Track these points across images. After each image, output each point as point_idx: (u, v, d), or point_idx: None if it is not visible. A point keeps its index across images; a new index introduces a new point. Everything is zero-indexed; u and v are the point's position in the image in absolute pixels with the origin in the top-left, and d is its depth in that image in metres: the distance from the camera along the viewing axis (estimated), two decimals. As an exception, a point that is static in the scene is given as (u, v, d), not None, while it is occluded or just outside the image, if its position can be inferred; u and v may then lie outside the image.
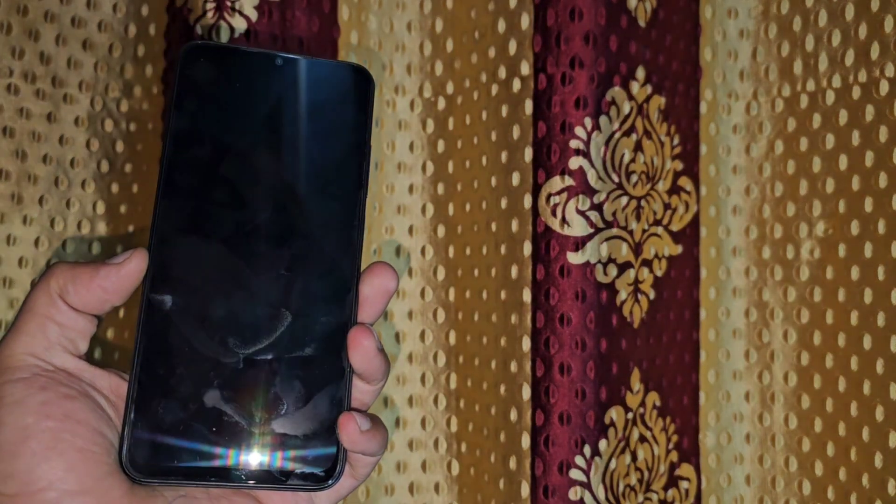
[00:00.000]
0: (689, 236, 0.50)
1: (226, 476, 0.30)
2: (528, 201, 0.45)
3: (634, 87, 0.46)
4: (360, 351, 0.31)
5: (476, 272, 0.49)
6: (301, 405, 0.31)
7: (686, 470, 0.50)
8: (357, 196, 0.33)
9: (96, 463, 0.28)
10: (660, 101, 0.47)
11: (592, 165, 0.44)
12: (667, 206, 0.48)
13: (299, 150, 0.33)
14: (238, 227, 0.32)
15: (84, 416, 0.28)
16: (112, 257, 0.30)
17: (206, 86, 0.32)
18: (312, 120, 0.33)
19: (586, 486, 0.44)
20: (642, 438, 0.47)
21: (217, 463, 0.30)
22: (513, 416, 0.46)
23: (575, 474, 0.44)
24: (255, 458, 0.31)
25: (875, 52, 0.45)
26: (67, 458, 0.27)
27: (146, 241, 0.31)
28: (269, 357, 0.31)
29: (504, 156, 0.47)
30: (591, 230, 0.44)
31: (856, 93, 0.46)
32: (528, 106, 0.45)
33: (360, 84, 0.34)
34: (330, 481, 0.31)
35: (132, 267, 0.29)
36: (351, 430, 0.31)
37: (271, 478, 0.31)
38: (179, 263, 0.31)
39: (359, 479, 0.33)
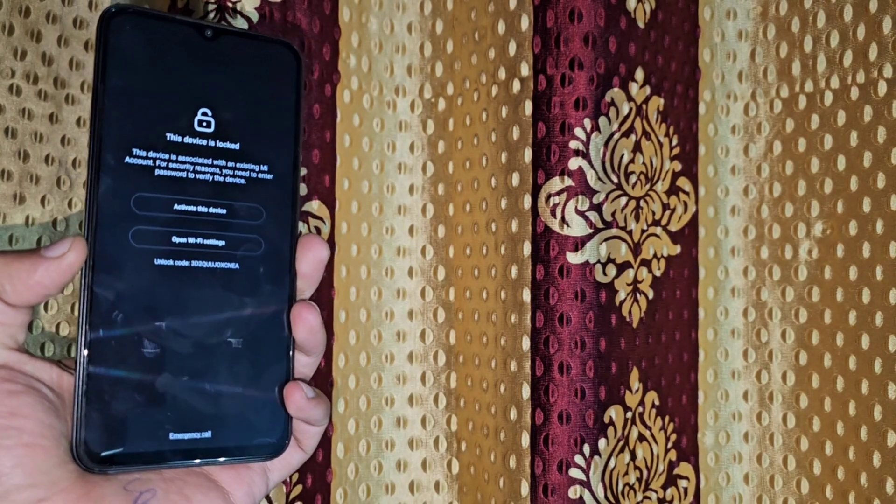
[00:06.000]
0: (688, 236, 0.50)
1: (178, 457, 0.31)
2: (527, 202, 0.46)
3: (633, 88, 0.46)
4: (305, 325, 0.32)
5: (476, 272, 0.49)
6: (248, 381, 0.32)
7: (685, 469, 0.50)
8: (293, 176, 0.33)
9: (45, 455, 0.28)
10: (659, 101, 0.47)
11: (592, 166, 0.44)
12: (665, 207, 0.48)
13: (231, 128, 0.32)
14: (175, 206, 0.31)
15: (29, 410, 0.28)
16: (47, 248, 0.29)
17: (133, 57, 0.31)
18: (243, 98, 0.33)
19: (586, 484, 0.44)
20: (641, 437, 0.47)
21: (169, 445, 0.31)
22: (512, 415, 0.46)
23: (574, 473, 0.44)
24: (206, 436, 0.31)
25: (873, 52, 0.46)
26: (14, 454, 0.27)
27: None
28: (215, 337, 0.32)
29: (504, 156, 0.47)
30: (591, 230, 0.44)
31: (854, 93, 0.47)
32: (528, 107, 0.46)
33: (289, 62, 0.34)
34: (279, 450, 0.33)
35: (72, 259, 0.29)
36: (298, 397, 0.32)
37: (225, 453, 0.32)
38: (119, 249, 0.30)
39: (307, 452, 0.35)
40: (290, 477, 0.44)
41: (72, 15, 0.43)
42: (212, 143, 0.32)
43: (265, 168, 0.33)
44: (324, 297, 0.46)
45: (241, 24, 0.42)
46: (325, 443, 0.46)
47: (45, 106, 0.42)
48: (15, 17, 0.41)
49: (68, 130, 0.43)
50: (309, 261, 0.33)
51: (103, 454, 0.29)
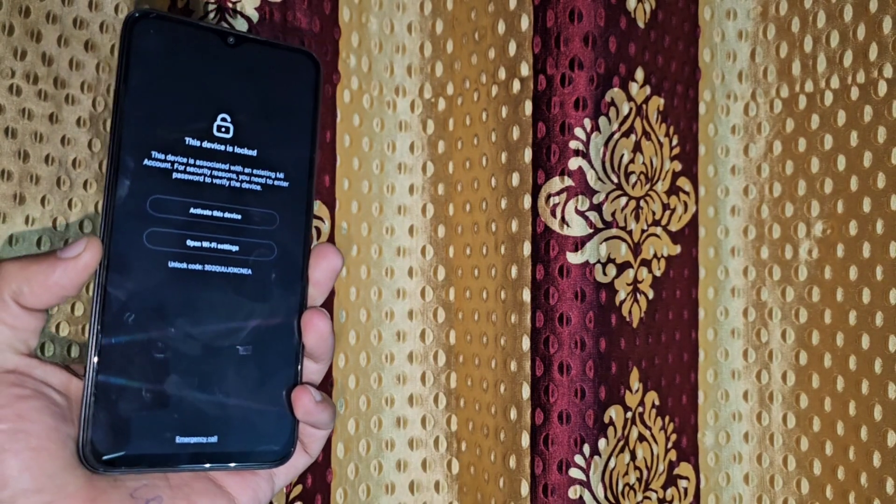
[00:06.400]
0: (688, 236, 0.50)
1: (184, 460, 0.31)
2: (527, 202, 0.46)
3: (633, 88, 0.46)
4: (315, 332, 0.33)
5: (476, 272, 0.49)
6: (256, 386, 0.32)
7: (685, 469, 0.50)
8: (308, 184, 0.34)
9: (52, 459, 0.28)
10: (659, 101, 0.47)
11: (592, 166, 0.44)
12: (665, 207, 0.48)
13: (249, 135, 0.33)
14: (191, 210, 0.32)
15: (37, 414, 0.28)
16: (62, 249, 0.29)
17: (156, 61, 0.31)
18: (262, 105, 0.33)
19: (585, 484, 0.44)
20: (641, 437, 0.47)
21: (176, 449, 0.31)
22: (512, 415, 0.46)
23: (574, 473, 0.44)
24: (213, 441, 0.31)
25: (873, 52, 0.46)
26: (22, 458, 0.27)
27: None
28: (225, 342, 0.32)
29: (504, 156, 0.47)
30: (591, 230, 0.44)
31: (854, 93, 0.47)
32: (528, 107, 0.46)
33: (309, 72, 0.34)
34: (285, 457, 0.33)
35: (88, 259, 0.29)
36: (306, 401, 0.32)
37: (231, 459, 0.32)
38: (133, 250, 0.30)
39: (312, 456, 0.35)
40: (290, 477, 0.44)
41: (72, 15, 0.43)
42: (230, 149, 0.32)
43: (281, 175, 0.33)
44: (324, 297, 0.46)
45: (241, 24, 0.42)
46: (325, 443, 0.46)
47: (45, 106, 0.42)
48: (15, 17, 0.41)
49: (68, 130, 0.43)
50: (323, 269, 0.34)
51: (108, 455, 0.29)
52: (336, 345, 0.47)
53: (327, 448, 0.47)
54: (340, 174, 0.48)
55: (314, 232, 0.46)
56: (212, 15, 0.42)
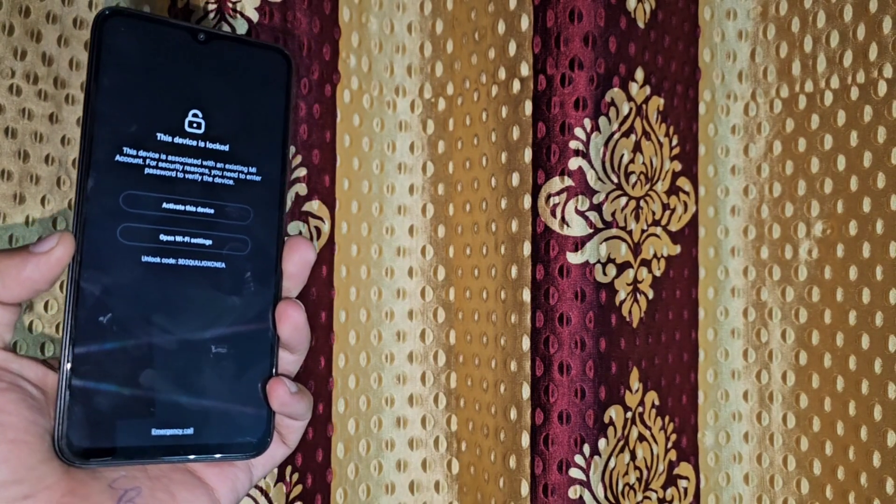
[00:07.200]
0: (688, 236, 0.50)
1: (160, 452, 0.31)
2: (527, 202, 0.46)
3: (633, 88, 0.46)
4: (290, 322, 0.33)
5: (476, 272, 0.49)
6: (231, 378, 0.33)
7: (685, 469, 0.50)
8: (281, 178, 0.34)
9: (30, 452, 0.28)
10: (659, 101, 0.47)
11: (592, 166, 0.44)
12: (665, 207, 0.48)
13: (221, 130, 0.33)
14: (164, 205, 0.32)
15: (14, 407, 0.28)
16: (35, 244, 0.29)
17: (127, 58, 0.31)
18: (234, 101, 0.33)
19: (586, 484, 0.44)
20: (641, 437, 0.47)
21: (152, 441, 0.31)
22: (512, 415, 0.46)
23: (574, 473, 0.44)
24: (189, 433, 0.32)
25: (873, 52, 0.46)
26: (0, 450, 0.27)
27: None
28: (200, 335, 0.32)
29: (504, 156, 0.47)
30: (591, 230, 0.44)
31: (854, 93, 0.47)
32: (528, 107, 0.46)
33: (280, 67, 0.34)
34: (261, 448, 0.33)
35: (60, 254, 0.29)
36: (281, 392, 0.32)
37: (207, 450, 0.32)
38: (107, 245, 0.31)
39: (290, 447, 0.35)
40: (291, 477, 0.44)
41: (72, 15, 0.43)
42: (201, 144, 0.32)
43: (253, 170, 0.33)
44: (324, 297, 0.46)
45: (241, 24, 0.42)
46: (325, 443, 0.46)
47: (45, 106, 0.42)
48: (15, 17, 0.41)
49: (68, 130, 0.43)
50: (295, 262, 0.34)
51: (84, 447, 0.30)
52: (336, 345, 0.47)
53: (327, 448, 0.47)
54: (340, 174, 0.48)
55: (314, 231, 0.46)
56: (211, 15, 0.42)
